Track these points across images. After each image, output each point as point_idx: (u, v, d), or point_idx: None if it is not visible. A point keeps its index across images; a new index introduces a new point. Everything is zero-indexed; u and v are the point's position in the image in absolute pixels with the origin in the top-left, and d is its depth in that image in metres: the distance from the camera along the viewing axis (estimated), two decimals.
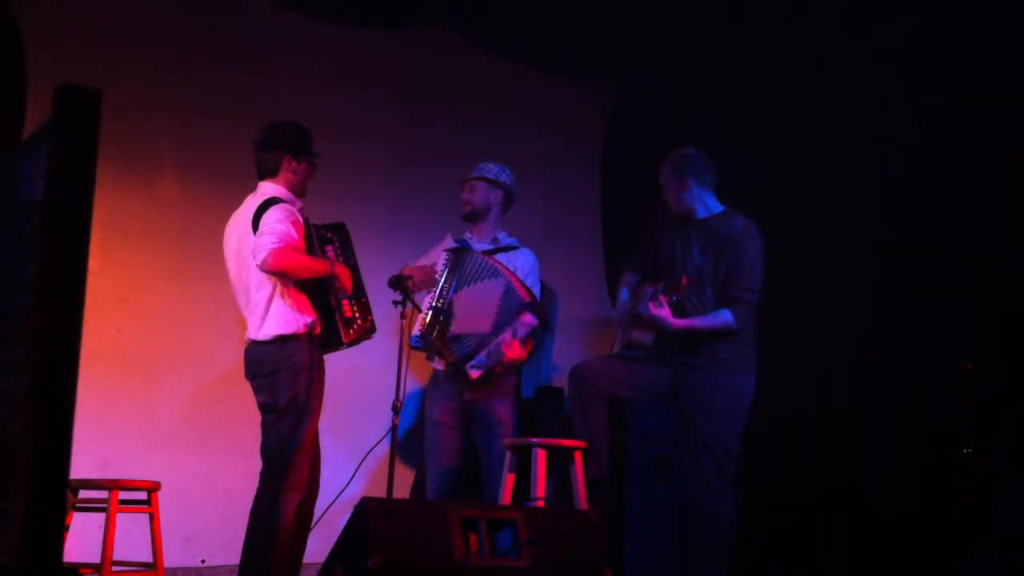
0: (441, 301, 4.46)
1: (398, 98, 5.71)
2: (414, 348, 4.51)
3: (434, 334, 4.46)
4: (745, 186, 4.63)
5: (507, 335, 4.46)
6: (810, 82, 5.29)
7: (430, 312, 4.47)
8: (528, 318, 4.50)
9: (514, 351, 4.46)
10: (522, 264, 4.69)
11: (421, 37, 5.74)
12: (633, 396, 4.51)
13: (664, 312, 3.97)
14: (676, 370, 4.15)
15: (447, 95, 5.82)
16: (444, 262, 4.60)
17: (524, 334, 4.50)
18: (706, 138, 4.40)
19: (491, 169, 4.78)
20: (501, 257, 4.67)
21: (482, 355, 4.45)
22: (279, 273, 3.91)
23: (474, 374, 4.45)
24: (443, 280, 4.52)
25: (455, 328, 4.46)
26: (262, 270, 3.88)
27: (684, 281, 3.96)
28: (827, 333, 5.24)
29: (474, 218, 4.79)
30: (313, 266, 3.98)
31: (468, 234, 4.83)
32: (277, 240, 3.84)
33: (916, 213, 5.01)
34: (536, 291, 4.69)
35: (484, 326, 4.48)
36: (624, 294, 4.42)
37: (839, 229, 5.27)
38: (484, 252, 4.66)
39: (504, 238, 4.79)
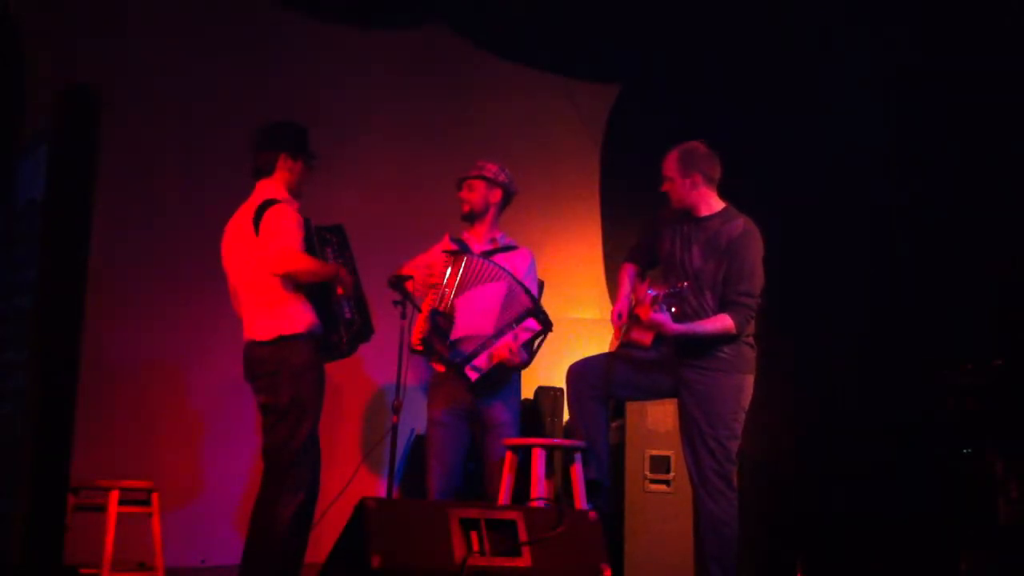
0: (441, 304, 4.44)
1: (398, 97, 5.70)
2: (413, 352, 4.49)
3: (433, 338, 4.44)
4: (745, 183, 4.63)
5: (508, 338, 4.44)
6: (811, 78, 5.29)
7: (429, 315, 4.45)
8: (531, 323, 4.47)
9: (514, 356, 4.43)
10: (520, 265, 4.67)
11: (421, 37, 5.74)
12: (632, 395, 4.48)
13: (663, 317, 3.95)
14: (676, 369, 4.13)
15: (447, 94, 5.81)
16: (443, 264, 4.58)
17: (526, 339, 4.47)
18: (706, 137, 4.39)
19: (490, 168, 4.75)
20: (500, 258, 4.64)
21: (482, 358, 4.43)
22: (288, 276, 3.92)
23: (472, 376, 4.43)
24: (443, 283, 4.49)
25: (456, 332, 4.44)
26: (272, 272, 3.89)
27: (685, 288, 3.94)
28: (827, 333, 5.24)
29: (472, 218, 4.75)
30: (320, 270, 4.00)
31: (466, 234, 4.80)
32: (286, 242, 3.86)
33: (916, 212, 5.02)
34: (534, 291, 4.68)
35: (486, 329, 4.45)
36: (626, 288, 4.39)
37: (839, 227, 5.27)
38: (483, 253, 4.64)
39: (502, 238, 4.77)
